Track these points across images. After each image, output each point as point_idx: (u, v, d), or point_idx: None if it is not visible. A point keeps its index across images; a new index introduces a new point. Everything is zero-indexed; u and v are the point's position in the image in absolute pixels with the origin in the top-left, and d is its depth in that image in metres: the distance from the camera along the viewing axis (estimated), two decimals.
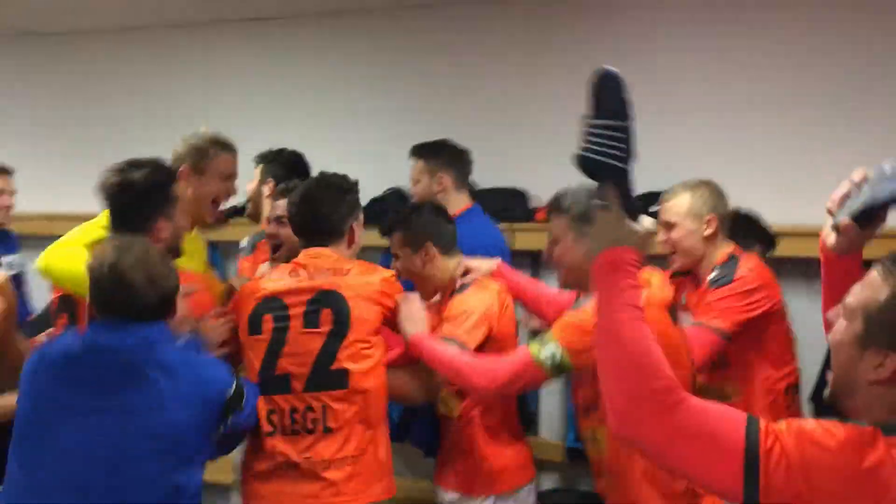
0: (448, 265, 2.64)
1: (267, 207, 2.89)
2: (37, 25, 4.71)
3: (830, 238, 1.56)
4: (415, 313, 2.42)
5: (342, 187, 2.50)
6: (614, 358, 1.40)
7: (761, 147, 3.57)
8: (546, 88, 3.92)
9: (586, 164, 1.53)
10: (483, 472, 2.52)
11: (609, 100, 1.53)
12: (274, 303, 2.35)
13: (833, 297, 1.51)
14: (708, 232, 2.66)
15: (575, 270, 2.25)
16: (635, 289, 1.46)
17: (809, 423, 1.31)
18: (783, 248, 3.22)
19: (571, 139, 1.59)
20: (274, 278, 2.42)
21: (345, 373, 2.29)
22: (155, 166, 2.39)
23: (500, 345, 2.47)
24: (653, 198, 3.00)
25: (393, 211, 2.70)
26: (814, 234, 3.23)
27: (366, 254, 3.13)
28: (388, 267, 3.70)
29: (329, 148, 4.02)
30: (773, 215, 3.26)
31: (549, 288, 2.74)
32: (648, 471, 2.07)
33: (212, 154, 2.63)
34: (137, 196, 2.30)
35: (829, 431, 1.28)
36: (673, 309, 2.25)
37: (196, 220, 2.69)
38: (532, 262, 3.69)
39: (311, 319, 2.33)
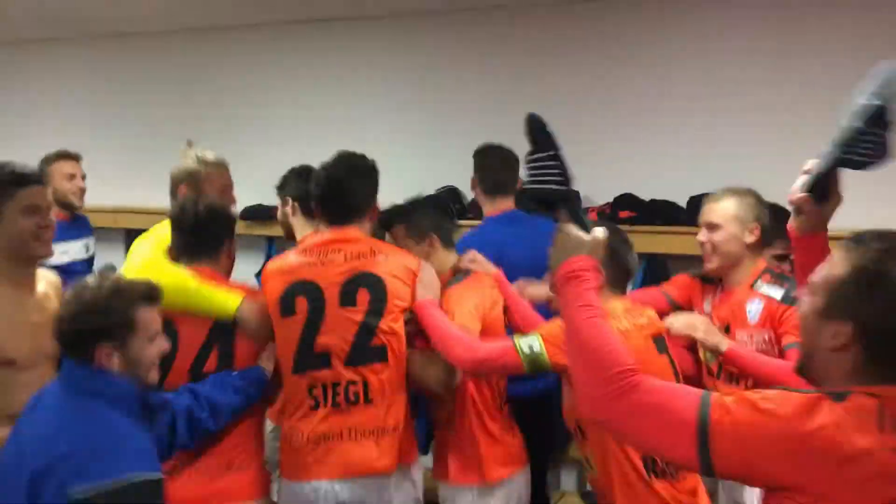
0: (448, 258, 2.73)
1: (297, 225, 2.94)
2: (108, 28, 4.90)
3: (792, 221, 1.72)
4: (431, 281, 2.53)
5: (366, 167, 2.58)
6: (578, 352, 1.56)
7: (794, 150, 3.52)
8: (601, 92, 3.95)
9: (535, 195, 1.76)
10: (472, 463, 2.58)
11: (538, 137, 1.76)
12: (308, 285, 2.45)
13: (804, 276, 1.59)
14: (750, 240, 2.67)
15: None
16: (590, 290, 1.62)
17: (756, 394, 1.40)
18: None
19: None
20: (306, 260, 2.50)
21: (384, 348, 2.43)
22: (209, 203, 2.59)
23: (489, 338, 2.51)
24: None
25: (392, 205, 2.80)
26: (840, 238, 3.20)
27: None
28: None
29: (389, 146, 4.12)
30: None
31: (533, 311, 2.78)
32: (629, 494, 2.15)
33: (203, 174, 2.75)
34: (216, 220, 2.49)
35: (774, 400, 1.37)
36: (661, 339, 2.29)
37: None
38: None
39: (348, 299, 2.44)
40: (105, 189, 4.53)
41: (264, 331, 2.44)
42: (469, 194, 4.13)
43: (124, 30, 4.99)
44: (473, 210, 4.10)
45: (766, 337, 2.57)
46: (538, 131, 1.77)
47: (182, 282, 2.38)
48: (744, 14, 3.70)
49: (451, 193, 4.14)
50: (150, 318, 1.97)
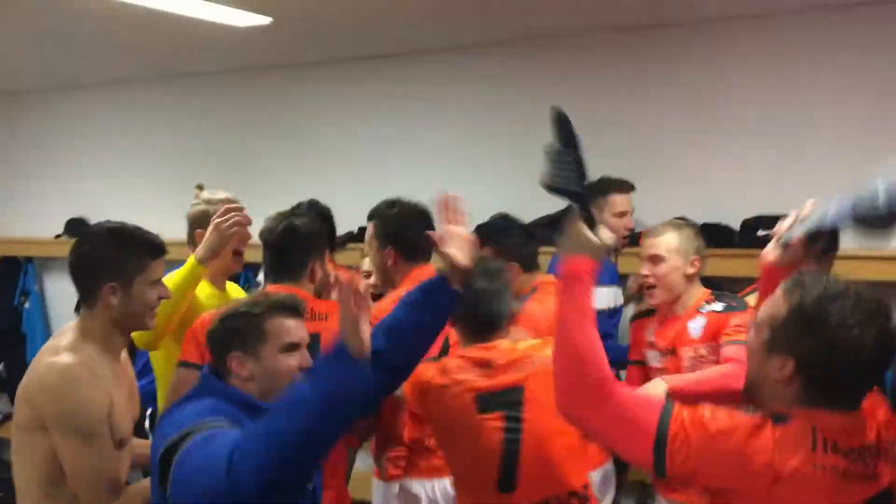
0: (528, 280, 2.89)
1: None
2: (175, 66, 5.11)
3: (774, 253, 1.86)
4: None
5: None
6: (564, 351, 1.69)
7: (836, 172, 3.54)
8: (653, 118, 4.02)
9: (552, 189, 1.84)
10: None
11: (563, 134, 1.84)
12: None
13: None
14: (691, 271, 2.72)
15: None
16: (586, 295, 1.72)
17: (708, 412, 1.58)
18: (858, 271, 3.23)
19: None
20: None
21: None
22: (316, 212, 2.62)
23: None
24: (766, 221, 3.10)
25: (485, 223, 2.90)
26: (882, 258, 3.19)
27: None
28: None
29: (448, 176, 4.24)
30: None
31: None
32: None
33: (213, 213, 2.68)
34: (298, 241, 2.52)
35: (723, 419, 1.56)
36: (486, 397, 2.29)
37: (225, 274, 2.90)
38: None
39: None
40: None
41: None
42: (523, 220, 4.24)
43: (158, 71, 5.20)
44: None
45: (710, 348, 2.63)
46: (563, 128, 1.84)
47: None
48: (790, 39, 3.74)
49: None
50: (282, 327, 1.93)
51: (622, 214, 3.60)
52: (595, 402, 1.62)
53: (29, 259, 5.85)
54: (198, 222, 2.82)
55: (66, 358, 2.04)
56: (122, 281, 2.08)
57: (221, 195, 2.87)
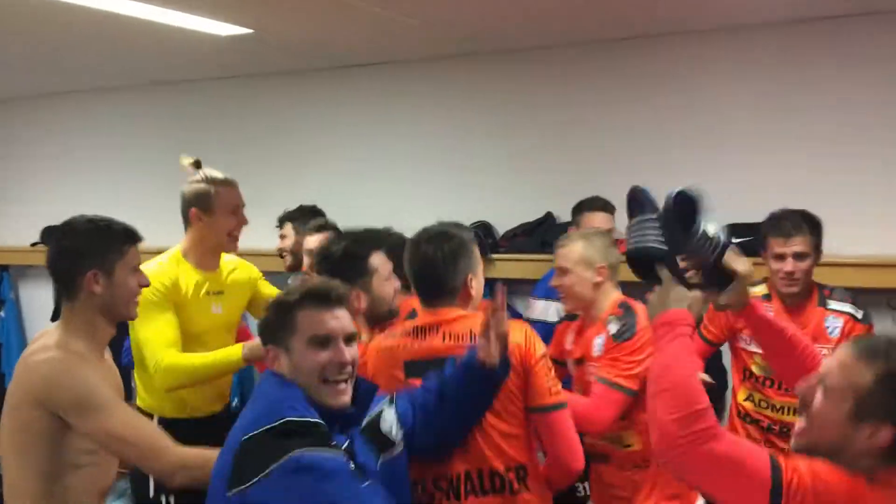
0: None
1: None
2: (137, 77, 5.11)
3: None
4: None
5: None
6: (666, 391, 1.67)
7: (844, 180, 3.63)
8: (652, 126, 4.08)
9: (638, 253, 1.90)
10: None
11: (643, 202, 1.93)
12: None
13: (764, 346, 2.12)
14: (598, 279, 2.78)
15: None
16: (687, 339, 1.76)
17: (818, 464, 1.58)
18: (868, 279, 3.32)
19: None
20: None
21: None
22: (355, 238, 2.52)
23: None
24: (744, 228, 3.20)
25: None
26: (860, 265, 3.26)
27: None
28: None
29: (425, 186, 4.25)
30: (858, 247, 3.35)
31: None
32: None
33: (214, 193, 2.77)
34: (333, 267, 2.42)
35: (834, 472, 1.56)
36: (413, 364, 2.30)
37: (216, 253, 2.92)
38: None
39: None
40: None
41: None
42: (500, 229, 4.29)
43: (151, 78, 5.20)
44: (505, 244, 4.24)
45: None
46: (643, 197, 1.93)
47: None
48: (761, 53, 3.82)
49: (483, 229, 4.27)
50: (312, 320, 1.86)
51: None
52: (699, 440, 1.59)
53: (4, 267, 5.83)
54: (196, 200, 2.80)
55: (59, 352, 2.09)
56: (103, 268, 2.12)
57: (221, 175, 2.83)
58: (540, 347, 2.24)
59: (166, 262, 2.84)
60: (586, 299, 2.81)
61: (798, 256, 2.88)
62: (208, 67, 4.84)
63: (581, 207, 3.70)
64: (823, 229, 2.95)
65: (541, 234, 4.16)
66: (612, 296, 2.81)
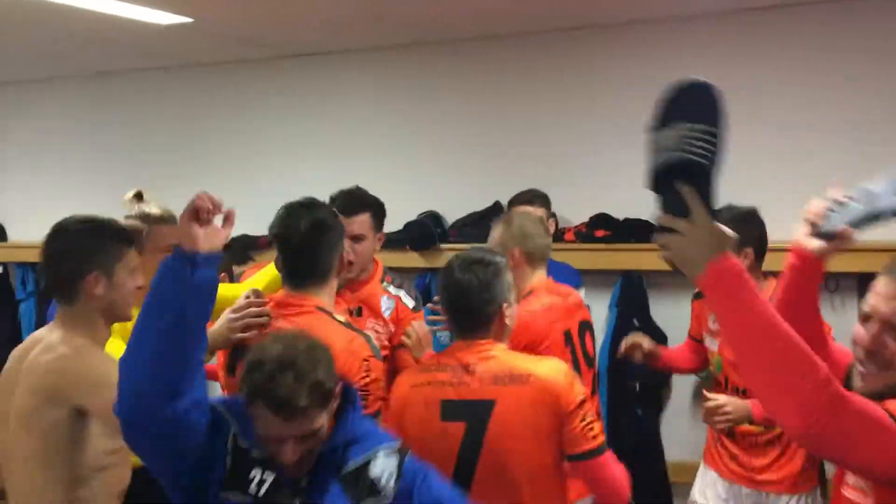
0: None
1: None
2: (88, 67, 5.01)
3: (813, 243, 1.69)
4: None
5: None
6: (790, 365, 1.37)
7: (816, 169, 3.62)
8: (579, 117, 4.10)
9: (674, 162, 1.43)
10: None
11: (705, 107, 1.46)
12: None
13: (794, 297, 1.70)
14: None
15: None
16: (757, 295, 1.40)
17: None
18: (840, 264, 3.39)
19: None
20: None
21: None
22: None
23: None
24: None
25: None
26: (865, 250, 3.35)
27: (402, 275, 3.33)
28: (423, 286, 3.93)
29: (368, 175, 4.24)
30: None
31: None
32: None
33: (147, 232, 2.56)
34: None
35: None
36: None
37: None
38: None
39: None
40: None
41: None
42: (449, 219, 4.30)
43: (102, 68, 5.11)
44: (454, 234, 4.24)
45: None
46: (709, 99, 1.46)
47: None
48: (711, 41, 3.87)
49: (432, 218, 4.27)
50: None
51: None
52: (831, 405, 1.35)
53: None
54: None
55: (67, 348, 2.06)
56: (104, 270, 2.10)
57: (157, 211, 2.65)
58: (579, 391, 2.16)
59: None
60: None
61: None
62: (151, 58, 4.76)
63: (513, 202, 3.73)
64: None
65: (489, 224, 4.16)
66: (533, 280, 2.79)
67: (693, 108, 1.44)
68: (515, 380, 2.12)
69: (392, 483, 1.79)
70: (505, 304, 2.22)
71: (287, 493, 1.73)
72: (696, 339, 3.20)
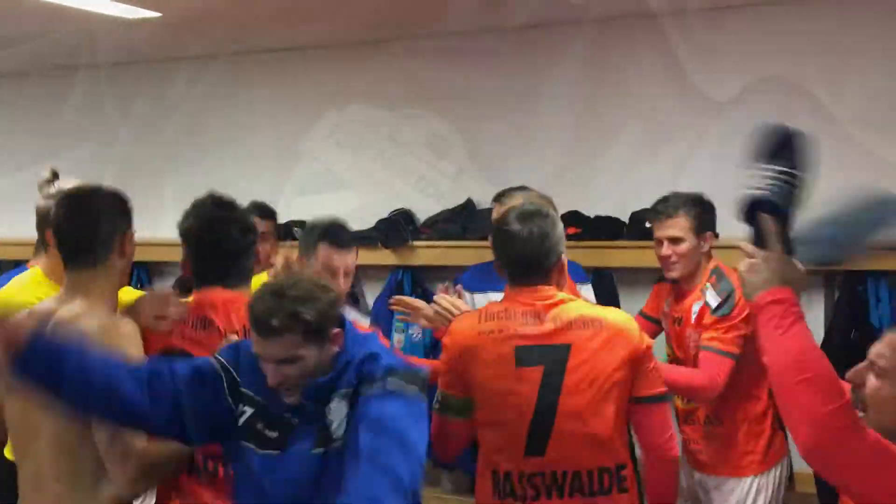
0: None
1: None
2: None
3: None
4: None
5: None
6: (813, 387, 1.50)
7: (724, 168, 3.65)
8: (549, 116, 4.11)
9: (760, 202, 1.68)
10: None
11: (792, 152, 1.71)
12: None
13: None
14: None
15: None
16: (804, 321, 1.59)
17: None
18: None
19: None
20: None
21: None
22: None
23: None
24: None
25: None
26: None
27: (375, 272, 3.33)
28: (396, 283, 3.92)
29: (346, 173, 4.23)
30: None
31: None
32: None
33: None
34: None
35: None
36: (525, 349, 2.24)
37: None
38: None
39: None
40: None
41: None
42: (421, 216, 4.29)
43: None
44: (426, 231, 4.23)
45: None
46: (796, 148, 1.71)
47: None
48: (675, 40, 3.88)
49: (404, 216, 4.27)
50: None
51: None
52: (856, 442, 1.47)
53: None
54: (48, 222, 2.35)
55: (93, 320, 2.00)
56: (129, 230, 2.15)
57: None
58: (646, 336, 2.25)
59: (27, 282, 2.53)
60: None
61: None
62: (121, 52, 4.70)
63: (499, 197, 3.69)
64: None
65: (462, 221, 4.18)
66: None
67: (783, 152, 1.68)
68: (588, 324, 2.15)
69: (342, 430, 1.83)
70: (564, 255, 2.25)
71: (270, 419, 1.85)
72: (648, 317, 3.17)
